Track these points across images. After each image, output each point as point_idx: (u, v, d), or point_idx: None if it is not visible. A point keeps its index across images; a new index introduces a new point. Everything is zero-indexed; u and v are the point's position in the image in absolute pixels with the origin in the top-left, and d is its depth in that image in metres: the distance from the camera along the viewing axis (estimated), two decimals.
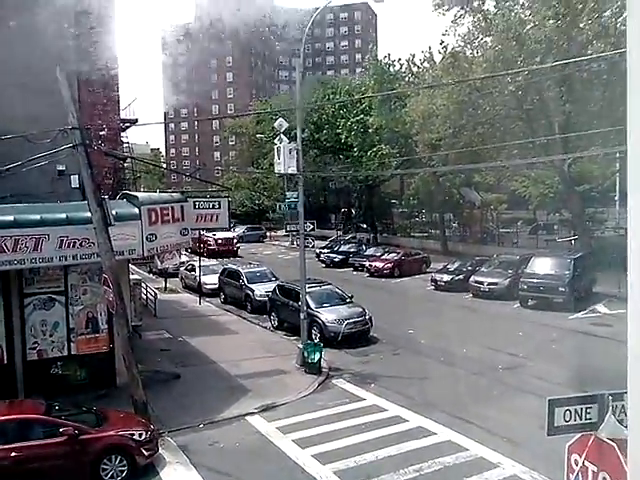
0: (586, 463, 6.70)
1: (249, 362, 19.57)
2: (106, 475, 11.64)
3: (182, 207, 17.96)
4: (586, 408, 6.67)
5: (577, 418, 6.63)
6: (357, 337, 21.89)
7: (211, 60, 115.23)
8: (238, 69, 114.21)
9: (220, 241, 47.34)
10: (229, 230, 45.69)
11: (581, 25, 30.55)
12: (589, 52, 29.17)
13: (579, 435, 6.77)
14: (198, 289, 30.44)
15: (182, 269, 34.46)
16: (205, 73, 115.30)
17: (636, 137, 1.41)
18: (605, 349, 19.67)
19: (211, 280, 31.42)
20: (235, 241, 50.15)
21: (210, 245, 44.94)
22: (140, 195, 18.38)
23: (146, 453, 12.14)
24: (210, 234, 44.28)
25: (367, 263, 38.43)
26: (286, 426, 14.50)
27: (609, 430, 6.50)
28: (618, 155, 35.39)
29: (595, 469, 6.44)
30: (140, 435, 12.16)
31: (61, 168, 16.90)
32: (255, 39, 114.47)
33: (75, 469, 11.54)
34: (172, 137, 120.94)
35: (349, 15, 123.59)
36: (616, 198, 46.48)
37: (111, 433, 12.07)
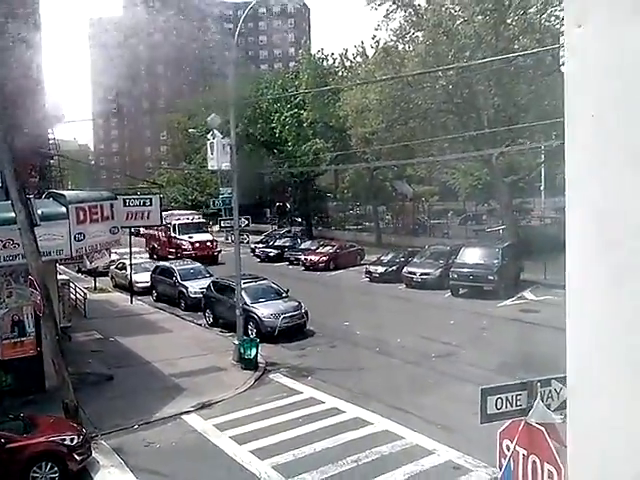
0: (517, 448, 6.92)
1: (184, 360, 19.28)
2: None
3: (112, 205, 17.51)
4: (516, 395, 6.88)
5: (508, 405, 6.84)
6: (293, 331, 21.90)
7: (141, 53, 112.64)
8: (169, 62, 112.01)
9: (197, 244, 42.12)
10: (206, 232, 44.21)
11: (508, 21, 31.48)
12: (516, 47, 30.07)
13: (510, 421, 6.99)
14: (129, 288, 29.74)
15: (112, 268, 33.59)
16: (135, 67, 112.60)
17: (572, 130, 1.45)
18: (533, 335, 20.38)
19: (143, 278, 30.78)
20: (215, 244, 43.75)
21: (185, 249, 41.51)
22: (67, 193, 17.79)
23: (78, 458, 11.78)
24: (185, 236, 42.08)
25: (302, 257, 38.49)
26: (223, 423, 14.38)
27: (538, 415, 6.73)
28: (544, 147, 36.73)
29: (525, 453, 6.66)
30: (72, 440, 11.79)
31: None
32: (187, 32, 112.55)
33: (4, 478, 11.07)
34: (101, 132, 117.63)
35: (282, 9, 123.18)
36: (542, 189, 48.31)
37: (40, 439, 11.66)
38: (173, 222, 42.98)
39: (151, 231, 42.75)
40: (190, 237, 42.35)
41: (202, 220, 47.81)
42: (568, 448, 1.52)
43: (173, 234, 42.77)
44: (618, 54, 1.32)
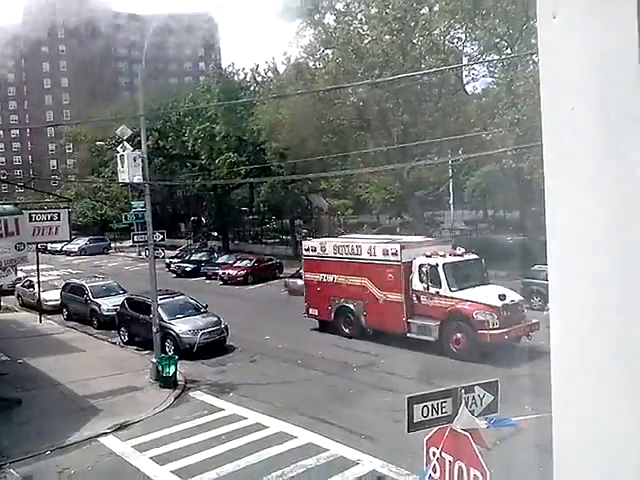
0: (443, 454, 7.12)
1: (99, 381, 18.57)
2: None
3: (17, 220, 16.80)
4: (442, 402, 7.09)
5: (434, 412, 7.03)
6: (213, 347, 21.58)
7: (43, 63, 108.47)
8: (74, 74, 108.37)
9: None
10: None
11: (414, 41, 32.64)
12: (422, 66, 31.22)
13: (436, 429, 7.20)
14: (38, 306, 28.43)
15: (19, 286, 31.98)
16: (37, 77, 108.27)
17: (549, 124, 1.46)
18: None
19: (52, 296, 29.52)
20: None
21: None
22: None
23: None
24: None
25: (220, 271, 38.08)
26: (142, 444, 13.96)
27: (463, 421, 6.97)
28: (451, 162, 38.19)
29: (451, 459, 6.86)
30: None
31: None
32: (92, 44, 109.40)
33: None
34: (1, 145, 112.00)
35: (191, 23, 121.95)
36: (450, 202, 50.15)
37: None
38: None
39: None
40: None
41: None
42: (554, 457, 1.54)
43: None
44: (596, 44, 1.31)
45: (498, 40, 31.28)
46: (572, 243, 1.41)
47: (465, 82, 36.03)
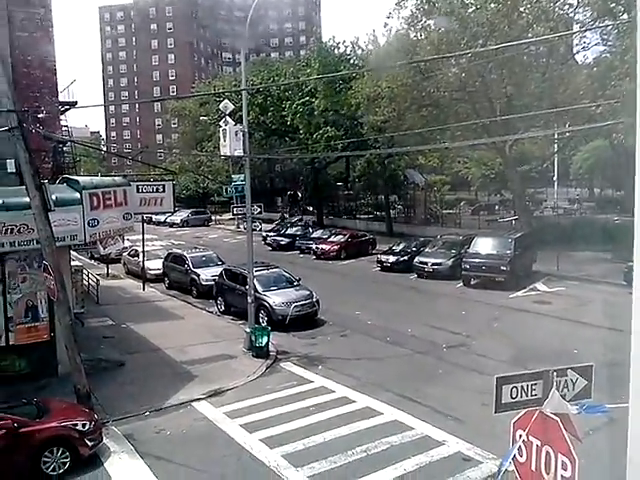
0: (530, 438, 6.85)
1: (195, 348, 19.33)
2: (47, 468, 11.29)
3: (125, 191, 17.48)
4: (532, 385, 6.81)
5: (523, 395, 6.77)
6: (305, 320, 21.88)
7: (152, 41, 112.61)
8: (180, 50, 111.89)
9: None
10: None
11: (521, 9, 31.08)
12: (529, 35, 29.72)
13: (524, 411, 6.93)
14: (142, 275, 29.82)
15: (125, 255, 33.70)
16: (146, 54, 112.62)
17: None
18: (545, 326, 20.29)
19: (155, 265, 30.86)
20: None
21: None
22: (81, 179, 17.80)
23: (90, 443, 11.83)
24: None
25: (314, 246, 38.46)
26: (234, 411, 14.39)
27: (553, 405, 6.66)
28: (557, 137, 36.37)
29: (539, 443, 6.59)
30: (83, 425, 11.84)
31: None
32: (197, 20, 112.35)
33: (16, 463, 11.15)
34: (112, 120, 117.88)
35: None
36: (554, 179, 47.94)
37: (52, 425, 11.70)
38: None
39: None
40: None
41: None
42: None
43: None
44: None
45: (613, 4, 29.19)
46: None
47: (575, 51, 34.07)
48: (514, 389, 6.87)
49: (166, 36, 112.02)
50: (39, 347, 16.26)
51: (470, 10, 32.41)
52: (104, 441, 12.45)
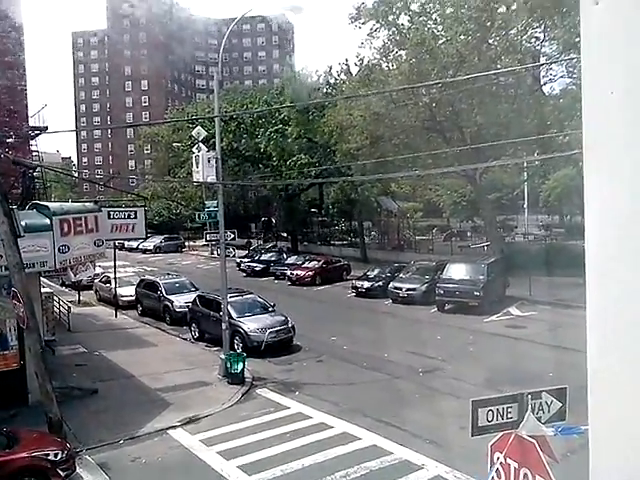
0: (508, 460, 6.93)
1: (170, 375, 19.11)
2: None
3: (96, 217, 17.38)
4: (507, 407, 6.91)
5: (499, 417, 6.86)
6: (280, 346, 21.80)
7: (125, 67, 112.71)
8: (153, 77, 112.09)
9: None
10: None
11: (490, 41, 31.95)
12: (498, 67, 30.49)
13: (501, 434, 7.02)
14: (114, 301, 29.50)
15: (97, 281, 33.29)
16: (119, 80, 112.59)
17: (590, 141, 1.42)
18: (519, 350, 20.51)
19: (128, 292, 30.55)
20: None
21: None
22: (51, 205, 17.67)
23: (62, 473, 11.59)
24: None
25: (288, 271, 38.45)
26: (210, 438, 14.24)
27: (529, 427, 6.76)
28: (526, 165, 37.18)
29: (517, 465, 6.67)
30: (55, 455, 11.61)
31: None
32: (171, 47, 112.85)
33: None
34: (84, 145, 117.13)
35: (266, 26, 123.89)
36: (525, 206, 48.84)
37: (23, 455, 11.45)
38: None
39: None
40: None
41: None
42: (590, 440, 1.51)
43: None
44: (637, 30, 1.28)
45: (578, 39, 30.14)
46: (611, 238, 1.36)
47: (542, 82, 35.00)
48: (490, 412, 6.96)
49: (139, 62, 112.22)
50: (8, 375, 15.92)
51: (440, 41, 33.18)
52: (77, 471, 12.20)
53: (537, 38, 33.20)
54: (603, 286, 1.43)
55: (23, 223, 13.61)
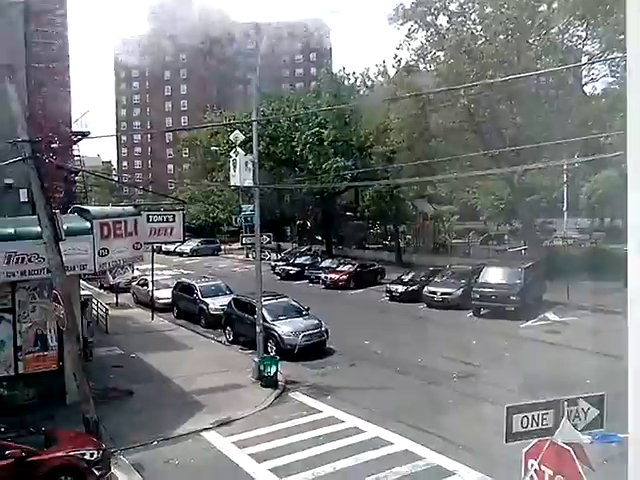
0: (542, 467, 6.78)
1: (204, 377, 19.24)
2: None
3: (135, 221, 17.61)
4: (542, 414, 6.76)
5: (534, 424, 6.72)
6: (313, 349, 21.77)
7: (165, 71, 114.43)
8: (192, 81, 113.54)
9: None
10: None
11: (530, 41, 31.46)
12: (538, 67, 30.00)
13: (535, 440, 6.86)
14: (151, 304, 29.89)
15: (134, 284, 33.79)
16: (159, 84, 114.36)
17: (635, 150, 1.37)
18: (555, 356, 20.09)
19: (164, 295, 30.90)
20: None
21: None
22: (92, 209, 17.99)
23: (97, 473, 11.76)
24: None
25: (323, 275, 38.44)
26: (242, 440, 14.29)
27: (565, 435, 6.60)
28: (566, 167, 36.44)
29: (551, 473, 6.53)
30: (91, 455, 11.79)
31: (9, 182, 16.42)
32: (210, 52, 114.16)
33: None
34: (124, 150, 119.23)
35: (304, 29, 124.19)
36: (564, 209, 47.85)
37: (60, 454, 11.66)
38: None
39: None
40: None
41: None
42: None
43: None
44: None
45: (621, 37, 29.49)
46: None
47: (584, 82, 34.34)
48: (525, 418, 6.83)
49: (179, 67, 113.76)
50: (47, 376, 16.28)
51: (479, 42, 32.82)
52: (112, 471, 12.37)
53: (579, 37, 32.60)
54: None
55: (65, 226, 13.85)
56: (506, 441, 6.75)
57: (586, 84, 34.50)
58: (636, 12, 1.35)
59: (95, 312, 26.80)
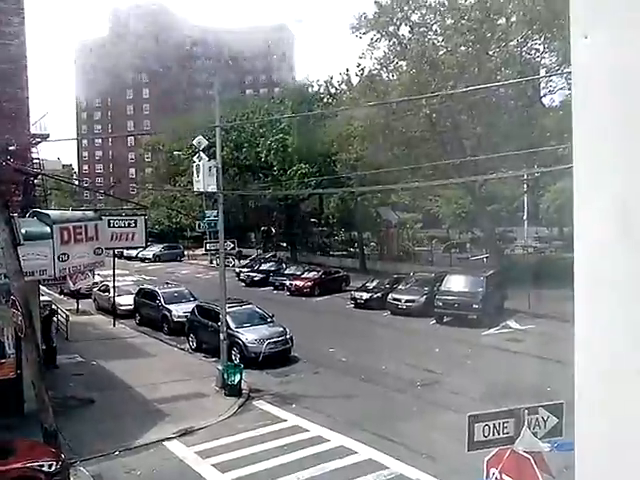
0: (504, 476, 6.90)
1: (167, 385, 19.04)
2: None
3: (96, 225, 17.34)
4: (503, 422, 6.89)
5: (495, 433, 6.84)
6: (278, 357, 21.72)
7: (126, 75, 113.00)
8: (154, 85, 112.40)
9: None
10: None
11: (490, 52, 32.08)
12: (498, 78, 30.59)
13: (496, 449, 6.98)
14: (112, 310, 29.43)
15: (95, 290, 33.21)
16: (120, 88, 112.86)
17: (580, 153, 1.43)
18: (517, 364, 20.43)
19: (126, 301, 30.47)
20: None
21: None
22: (52, 213, 17.66)
23: None
24: None
25: (287, 282, 38.38)
26: (205, 450, 14.18)
27: (525, 443, 6.73)
28: (526, 177, 37.22)
29: None
30: (50, 466, 11.53)
31: None
32: (173, 56, 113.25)
33: None
34: (85, 153, 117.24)
35: (267, 35, 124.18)
36: (524, 218, 48.87)
37: (18, 465, 11.37)
38: None
39: None
40: None
41: None
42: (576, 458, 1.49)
43: None
44: (627, 64, 1.31)
45: None
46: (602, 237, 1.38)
47: (542, 94, 35.13)
48: (486, 427, 6.94)
49: (140, 70, 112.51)
50: (4, 384, 15.86)
51: (441, 52, 33.32)
52: None
53: (537, 50, 33.37)
54: (591, 301, 1.43)
55: (23, 231, 13.59)
56: (468, 449, 6.85)
57: (544, 96, 35.33)
58: (578, 27, 1.43)
59: (55, 319, 26.24)
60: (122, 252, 49.56)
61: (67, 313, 27.90)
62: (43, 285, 24.96)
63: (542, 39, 32.12)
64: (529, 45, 32.89)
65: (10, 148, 16.37)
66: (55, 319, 25.51)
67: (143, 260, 58.60)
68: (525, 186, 42.19)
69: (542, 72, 33.99)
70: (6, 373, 16.02)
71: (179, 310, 27.06)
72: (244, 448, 14.18)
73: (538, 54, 33.45)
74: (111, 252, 25.56)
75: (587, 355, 1.45)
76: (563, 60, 31.68)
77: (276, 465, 13.17)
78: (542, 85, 34.60)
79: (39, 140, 22.95)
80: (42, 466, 11.46)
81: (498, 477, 6.99)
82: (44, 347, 20.77)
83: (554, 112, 35.21)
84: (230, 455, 13.81)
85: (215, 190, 20.42)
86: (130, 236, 20.77)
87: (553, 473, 6.96)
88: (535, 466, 6.64)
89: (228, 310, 21.00)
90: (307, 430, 15.36)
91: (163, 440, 14.73)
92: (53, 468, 11.54)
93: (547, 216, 51.41)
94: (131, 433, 14.91)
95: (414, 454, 13.47)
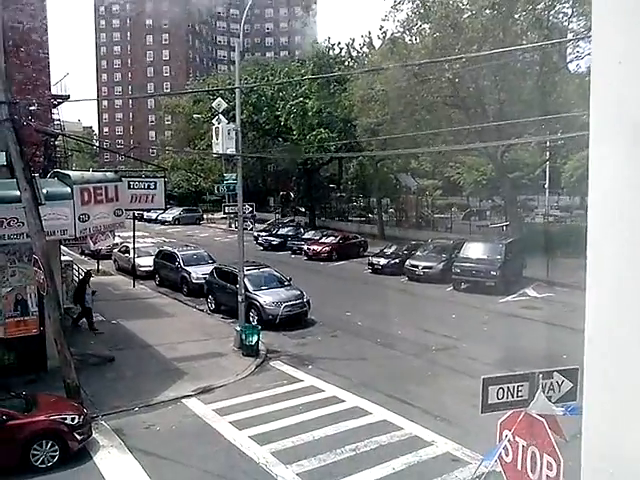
0: (517, 438, 6.96)
1: (185, 345, 19.36)
2: (36, 461, 11.32)
3: (116, 187, 17.42)
4: (518, 386, 6.92)
5: (509, 396, 6.87)
6: (295, 319, 21.96)
7: (147, 36, 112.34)
8: (175, 47, 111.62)
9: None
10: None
11: (516, 16, 31.31)
12: (523, 43, 29.90)
13: (510, 412, 7.03)
14: (132, 271, 29.80)
15: (115, 251, 33.61)
16: (141, 49, 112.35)
17: (596, 134, 1.41)
18: (533, 331, 20.44)
19: (146, 262, 30.80)
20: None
21: None
22: (72, 174, 17.76)
23: (79, 437, 11.87)
24: None
25: (305, 246, 38.51)
26: (223, 408, 14.46)
27: (539, 407, 6.77)
28: (549, 144, 36.64)
29: (525, 444, 6.70)
30: (72, 419, 11.87)
31: None
32: (193, 17, 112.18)
33: (4, 455, 11.16)
34: (105, 115, 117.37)
35: None
36: (545, 186, 48.27)
37: (41, 418, 11.73)
38: None
39: None
40: None
41: None
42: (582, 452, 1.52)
43: None
44: None
45: None
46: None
47: (568, 60, 34.30)
48: (500, 390, 6.98)
49: (161, 32, 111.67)
50: (28, 341, 16.25)
51: (465, 15, 32.59)
52: (93, 435, 12.49)
53: (565, 14, 32.46)
54: (602, 271, 1.43)
55: (44, 191, 13.72)
56: (482, 412, 6.90)
57: (570, 62, 34.46)
58: None
59: (76, 278, 26.66)
60: (142, 215, 50.07)
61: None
62: (64, 245, 25.32)
63: (571, 2, 31.25)
64: (557, 8, 32.01)
65: (31, 108, 16.43)
66: (75, 278, 25.97)
67: (163, 223, 59.07)
68: (547, 154, 41.56)
69: (569, 36, 33.14)
70: (30, 330, 16.39)
71: (198, 272, 27.32)
72: (261, 407, 14.44)
73: (566, 18, 32.57)
74: (131, 214, 25.78)
75: (597, 324, 1.45)
76: (591, 25, 30.76)
77: (292, 424, 13.41)
78: (569, 51, 33.74)
79: (60, 101, 23.00)
80: (65, 419, 11.80)
81: (511, 439, 7.04)
82: (80, 309, 21.29)
83: (580, 79, 34.41)
84: (247, 413, 14.08)
85: (234, 153, 20.40)
86: (150, 198, 20.85)
87: (566, 437, 7.00)
88: (548, 429, 6.68)
89: (246, 273, 21.18)
90: (323, 390, 15.58)
91: (182, 398, 15.04)
92: (76, 422, 11.88)
93: (569, 185, 50.72)
94: (150, 390, 15.24)
95: (429, 416, 13.63)
